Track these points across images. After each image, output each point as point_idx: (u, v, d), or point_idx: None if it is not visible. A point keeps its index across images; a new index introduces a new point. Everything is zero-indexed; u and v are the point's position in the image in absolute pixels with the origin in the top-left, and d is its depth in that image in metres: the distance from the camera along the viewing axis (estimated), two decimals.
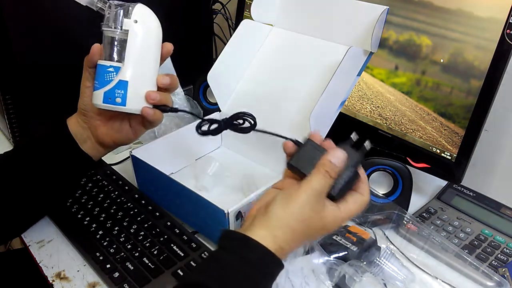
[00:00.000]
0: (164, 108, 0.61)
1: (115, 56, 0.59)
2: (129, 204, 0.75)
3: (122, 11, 0.58)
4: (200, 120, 0.61)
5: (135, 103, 0.60)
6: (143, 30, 0.59)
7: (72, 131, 0.63)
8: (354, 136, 0.54)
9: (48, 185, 0.64)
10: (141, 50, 0.59)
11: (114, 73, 0.58)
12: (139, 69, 0.60)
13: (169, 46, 0.62)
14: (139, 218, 0.72)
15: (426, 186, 0.83)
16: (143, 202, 0.75)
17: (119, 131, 0.64)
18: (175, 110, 0.63)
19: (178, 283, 0.47)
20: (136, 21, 0.58)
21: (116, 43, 0.59)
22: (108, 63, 0.58)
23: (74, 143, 0.63)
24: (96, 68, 0.60)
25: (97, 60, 0.59)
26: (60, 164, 0.63)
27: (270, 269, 0.47)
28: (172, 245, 0.67)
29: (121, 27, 0.58)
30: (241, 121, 0.60)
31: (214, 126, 0.60)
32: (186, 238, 0.68)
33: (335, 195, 0.50)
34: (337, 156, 0.50)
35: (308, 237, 0.50)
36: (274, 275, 0.48)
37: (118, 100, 0.59)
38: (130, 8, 0.58)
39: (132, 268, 0.63)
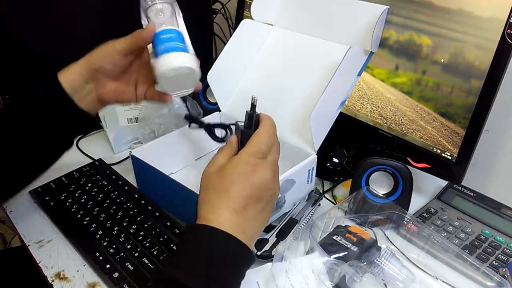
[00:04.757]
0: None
1: (174, 21, 0.61)
2: (128, 204, 0.75)
3: None
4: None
5: None
6: None
7: (70, 86, 0.62)
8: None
9: (41, 144, 0.63)
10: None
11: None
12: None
13: None
14: (138, 218, 0.72)
15: (426, 186, 0.83)
16: (142, 202, 0.75)
17: (125, 91, 0.66)
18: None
19: (153, 280, 0.48)
20: None
21: (172, 9, 0.61)
22: (164, 27, 0.60)
23: (69, 102, 0.62)
24: (167, 33, 0.60)
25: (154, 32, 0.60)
26: (55, 124, 0.63)
27: (232, 248, 0.48)
28: (172, 245, 0.67)
29: None
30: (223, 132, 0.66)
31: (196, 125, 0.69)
32: None
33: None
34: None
35: (258, 198, 0.51)
36: (238, 255, 0.49)
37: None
38: None
39: (131, 268, 0.63)
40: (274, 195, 0.54)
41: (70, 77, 0.62)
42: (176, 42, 0.59)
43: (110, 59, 0.62)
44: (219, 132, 0.76)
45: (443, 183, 0.82)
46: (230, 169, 0.52)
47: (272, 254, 0.65)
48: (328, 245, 0.63)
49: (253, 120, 0.55)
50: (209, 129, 0.72)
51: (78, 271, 0.65)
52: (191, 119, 0.71)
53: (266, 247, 0.66)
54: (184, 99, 0.84)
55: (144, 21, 0.63)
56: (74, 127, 0.66)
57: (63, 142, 0.67)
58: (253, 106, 0.55)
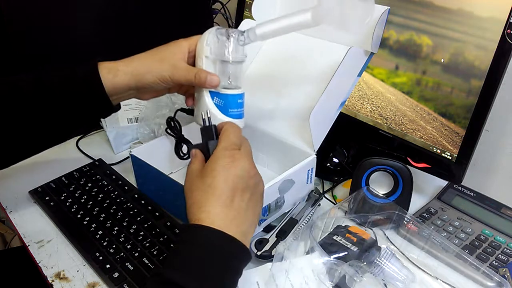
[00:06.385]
0: None
1: (237, 81, 0.63)
2: (128, 204, 0.75)
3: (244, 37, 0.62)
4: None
5: None
6: None
7: (113, 89, 0.62)
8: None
9: (58, 122, 0.64)
10: None
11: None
12: None
13: None
14: (139, 218, 0.72)
15: (426, 186, 0.83)
16: (142, 202, 0.75)
17: (159, 94, 0.70)
18: None
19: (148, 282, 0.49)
20: None
21: (239, 68, 0.63)
22: (239, 91, 0.63)
23: (105, 99, 0.63)
24: (241, 98, 0.63)
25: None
26: (80, 111, 0.64)
27: (225, 246, 0.49)
28: (172, 245, 0.67)
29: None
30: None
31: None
32: None
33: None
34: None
35: (243, 188, 0.52)
36: (232, 252, 0.49)
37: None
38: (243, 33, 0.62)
39: (131, 268, 0.63)
40: (258, 183, 0.55)
41: (115, 82, 0.62)
42: (243, 109, 0.63)
43: (163, 84, 0.63)
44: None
45: (443, 183, 0.82)
46: (209, 167, 0.52)
47: (272, 254, 0.65)
48: (328, 245, 0.63)
49: (212, 131, 0.57)
50: (179, 142, 0.74)
51: (78, 271, 0.65)
52: (169, 123, 0.74)
53: (266, 247, 0.66)
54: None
55: (211, 65, 0.62)
56: (96, 117, 0.67)
57: (79, 127, 0.69)
58: (209, 119, 0.58)
